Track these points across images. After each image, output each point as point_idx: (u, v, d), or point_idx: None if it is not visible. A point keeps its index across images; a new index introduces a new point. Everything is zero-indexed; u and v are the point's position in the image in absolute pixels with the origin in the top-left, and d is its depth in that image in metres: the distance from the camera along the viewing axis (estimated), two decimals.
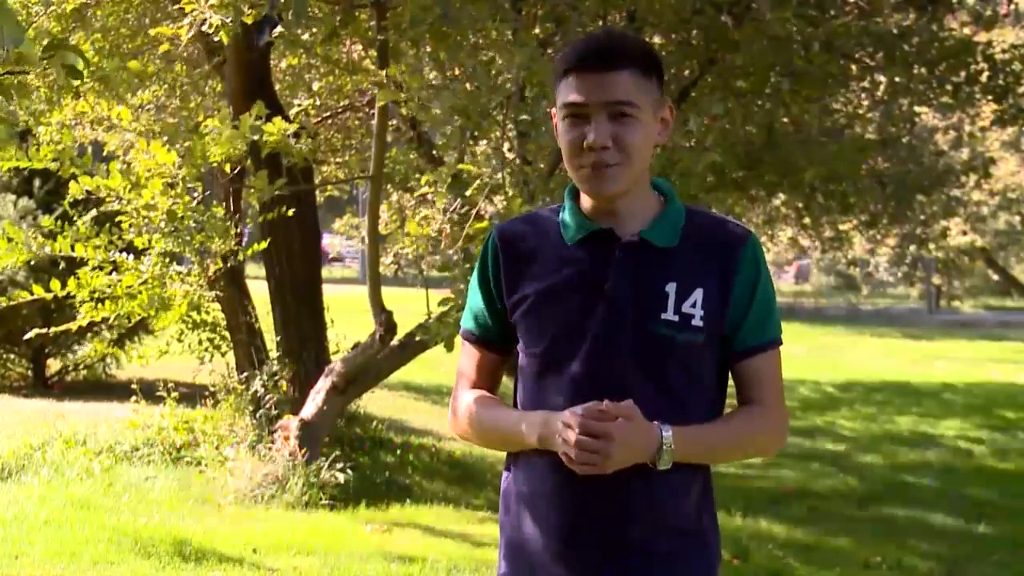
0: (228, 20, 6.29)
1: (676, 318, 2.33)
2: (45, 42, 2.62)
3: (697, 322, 2.34)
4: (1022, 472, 11.03)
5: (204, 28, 6.38)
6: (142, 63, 7.44)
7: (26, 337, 8.75)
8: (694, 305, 2.34)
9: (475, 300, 2.55)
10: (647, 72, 2.38)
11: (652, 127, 2.40)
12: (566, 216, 2.45)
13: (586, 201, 2.44)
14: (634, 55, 2.37)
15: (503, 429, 2.46)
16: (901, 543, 7.97)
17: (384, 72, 7.19)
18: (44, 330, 8.68)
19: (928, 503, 9.37)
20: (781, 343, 2.49)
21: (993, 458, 11.80)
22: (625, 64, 2.35)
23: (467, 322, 2.58)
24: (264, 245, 8.68)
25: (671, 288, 2.34)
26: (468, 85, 7.59)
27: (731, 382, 2.51)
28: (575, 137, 2.36)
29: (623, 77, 2.34)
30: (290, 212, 8.03)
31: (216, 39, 6.84)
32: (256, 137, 7.19)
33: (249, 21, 6.30)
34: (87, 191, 7.99)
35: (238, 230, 8.60)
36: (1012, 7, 12.52)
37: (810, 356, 21.04)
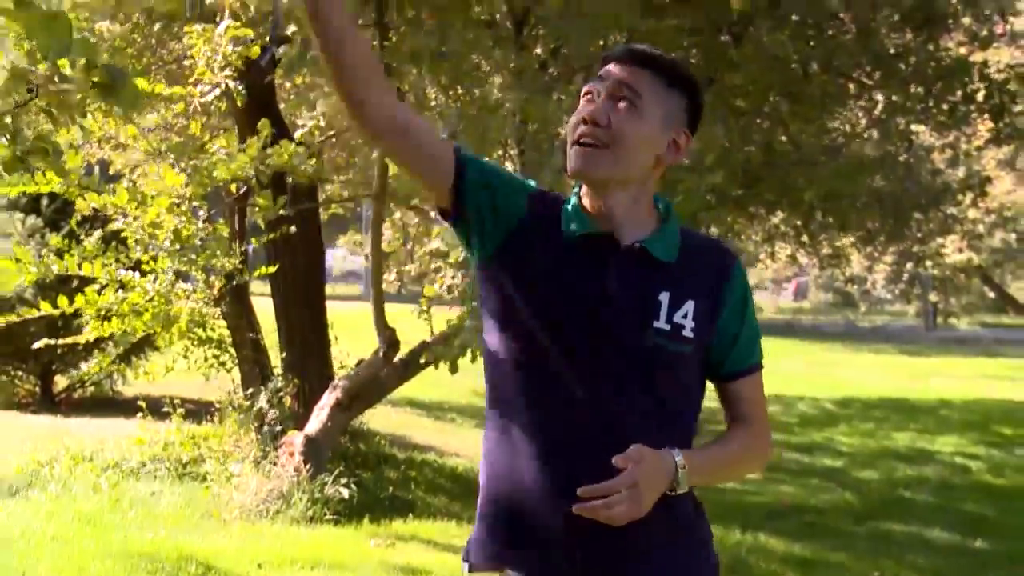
0: (241, 87, 6.33)
1: (668, 327, 2.33)
2: (82, 62, 2.63)
3: (687, 333, 2.34)
4: (1019, 488, 11.01)
5: (217, 94, 6.42)
6: (150, 83, 7.45)
7: (35, 347, 8.74)
8: (685, 316, 2.35)
9: (497, 171, 2.48)
10: (670, 83, 2.39)
11: (655, 131, 2.38)
12: (570, 210, 2.42)
13: (587, 201, 2.43)
14: (662, 63, 2.39)
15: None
16: (898, 558, 7.96)
17: None
18: (52, 341, 8.69)
19: (925, 519, 9.36)
20: (763, 365, 2.53)
21: (990, 474, 11.78)
22: (649, 65, 2.38)
23: (472, 157, 2.43)
24: (272, 269, 8.72)
25: (664, 297, 2.35)
26: (471, 109, 7.62)
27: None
28: (579, 111, 2.38)
29: (642, 72, 2.36)
30: (294, 230, 8.05)
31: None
32: (263, 160, 7.24)
33: (254, 54, 6.32)
34: (94, 209, 8.02)
35: (243, 248, 8.60)
36: (1008, 27, 12.54)
37: (808, 372, 21.04)
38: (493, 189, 2.39)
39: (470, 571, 2.43)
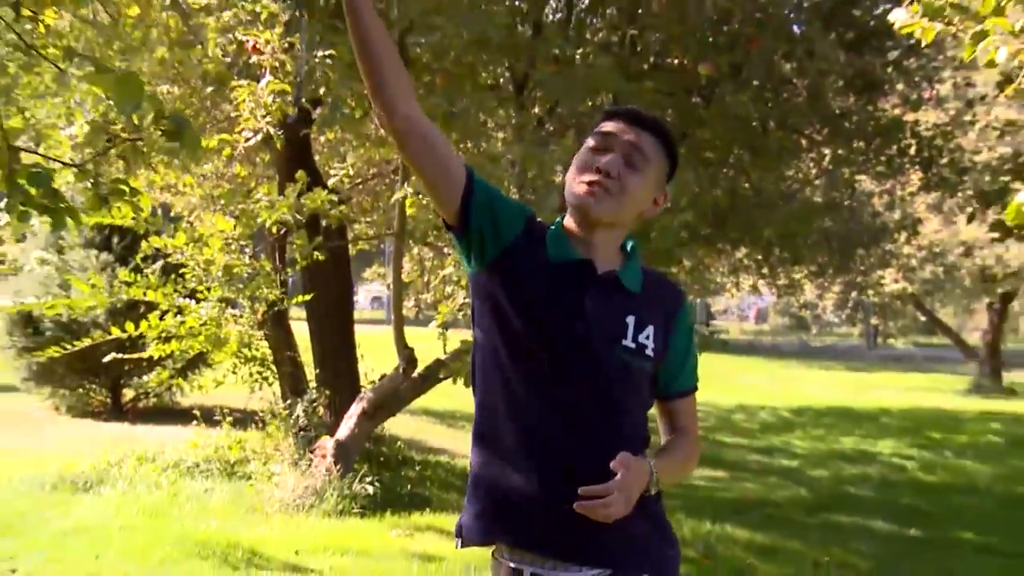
0: (279, 132, 6.36)
1: (633, 345, 2.35)
2: (151, 115, 2.66)
3: (648, 352, 2.37)
4: (947, 484, 11.00)
5: (260, 138, 6.45)
6: (206, 139, 7.49)
7: (105, 360, 8.75)
8: (647, 338, 2.37)
9: (500, 195, 2.44)
10: (667, 151, 2.43)
11: (648, 192, 2.42)
12: (553, 241, 2.41)
13: (570, 231, 2.43)
14: (664, 134, 2.43)
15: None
16: (845, 545, 7.94)
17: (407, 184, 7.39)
18: (120, 355, 8.72)
19: (868, 511, 9.34)
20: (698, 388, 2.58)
21: (922, 472, 11.77)
22: (655, 133, 2.41)
23: (481, 179, 2.40)
24: (308, 297, 8.74)
25: (631, 320, 2.36)
26: (478, 160, 7.65)
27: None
28: (590, 158, 2.38)
29: (650, 138, 2.39)
30: (326, 263, 8.06)
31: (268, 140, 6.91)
32: (299, 206, 7.28)
33: (291, 112, 6.36)
34: (155, 248, 8.06)
35: (283, 279, 8.62)
36: (935, 92, 12.61)
37: (768, 385, 21.03)
38: (496, 209, 2.38)
39: (463, 546, 2.42)
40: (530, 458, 2.31)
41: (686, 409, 2.54)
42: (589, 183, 2.36)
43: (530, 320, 2.35)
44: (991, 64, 3.53)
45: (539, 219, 2.51)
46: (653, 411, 2.53)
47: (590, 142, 2.42)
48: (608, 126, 2.41)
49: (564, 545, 2.31)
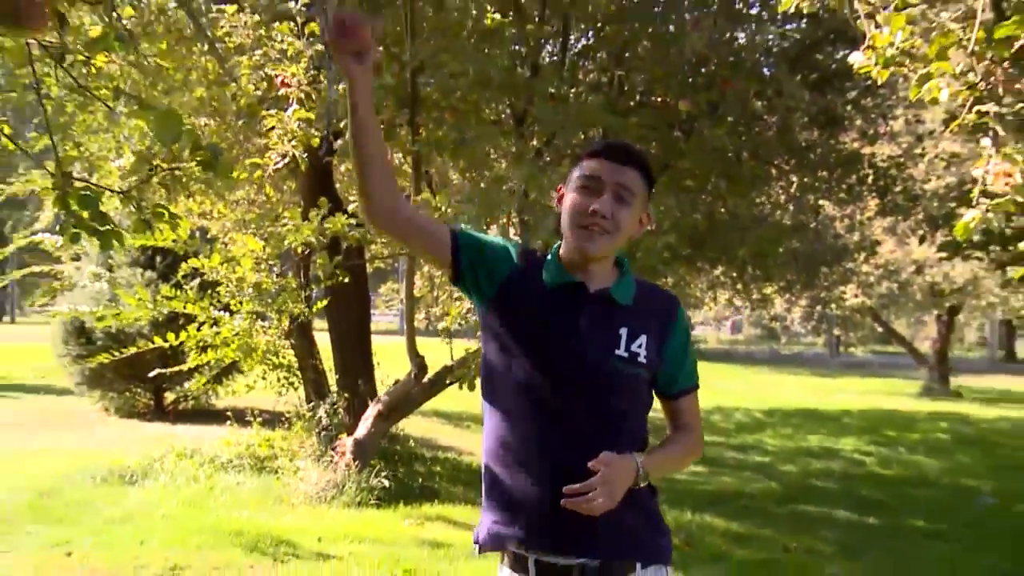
0: (305, 155, 6.37)
1: (626, 355, 2.33)
2: (189, 147, 2.66)
3: (641, 359, 2.34)
4: (902, 477, 10.97)
5: (286, 160, 6.45)
6: (237, 169, 7.50)
7: (150, 375, 8.81)
8: (640, 347, 2.35)
9: (482, 245, 2.43)
10: (646, 180, 2.41)
11: (636, 219, 2.41)
12: (549, 267, 2.42)
13: (565, 258, 2.43)
14: (643, 164, 2.40)
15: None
16: (811, 532, 7.92)
17: (419, 196, 7.41)
18: (163, 370, 8.76)
19: (832, 501, 9.32)
20: (699, 386, 2.54)
21: (880, 466, 11.74)
22: (636, 166, 2.38)
23: (461, 232, 2.43)
24: (325, 302, 8.74)
25: (623, 332, 2.35)
26: (482, 184, 7.65)
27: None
28: (584, 202, 2.36)
29: (633, 173, 2.37)
30: (346, 281, 8.04)
31: (294, 166, 6.91)
32: (322, 229, 7.27)
33: (315, 143, 6.36)
34: (194, 267, 8.08)
35: (307, 295, 8.61)
36: (889, 128, 12.64)
37: (743, 389, 21.00)
38: (485, 253, 2.41)
39: (480, 552, 2.42)
40: (533, 466, 2.31)
41: (687, 407, 2.50)
42: (586, 226, 2.36)
43: (530, 343, 2.35)
44: (934, 102, 3.53)
45: (534, 247, 2.53)
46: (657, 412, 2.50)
47: (579, 183, 2.40)
48: (593, 166, 2.39)
49: (561, 540, 2.30)
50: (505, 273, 2.41)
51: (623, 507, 2.24)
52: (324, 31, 5.95)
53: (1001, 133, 3.37)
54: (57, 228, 2.70)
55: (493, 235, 2.53)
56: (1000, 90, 3.38)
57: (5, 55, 2.69)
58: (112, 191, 2.79)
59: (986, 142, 3.47)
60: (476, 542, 2.43)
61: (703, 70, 8.56)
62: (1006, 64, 3.41)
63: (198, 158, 2.61)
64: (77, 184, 2.61)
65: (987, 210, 3.43)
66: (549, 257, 2.45)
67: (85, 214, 2.56)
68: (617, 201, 2.36)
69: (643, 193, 2.41)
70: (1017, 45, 3.34)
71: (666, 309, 2.45)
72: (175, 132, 2.49)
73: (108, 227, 2.61)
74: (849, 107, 10.36)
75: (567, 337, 2.33)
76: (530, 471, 2.31)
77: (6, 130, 2.80)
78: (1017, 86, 3.35)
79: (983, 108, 3.44)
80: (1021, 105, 3.33)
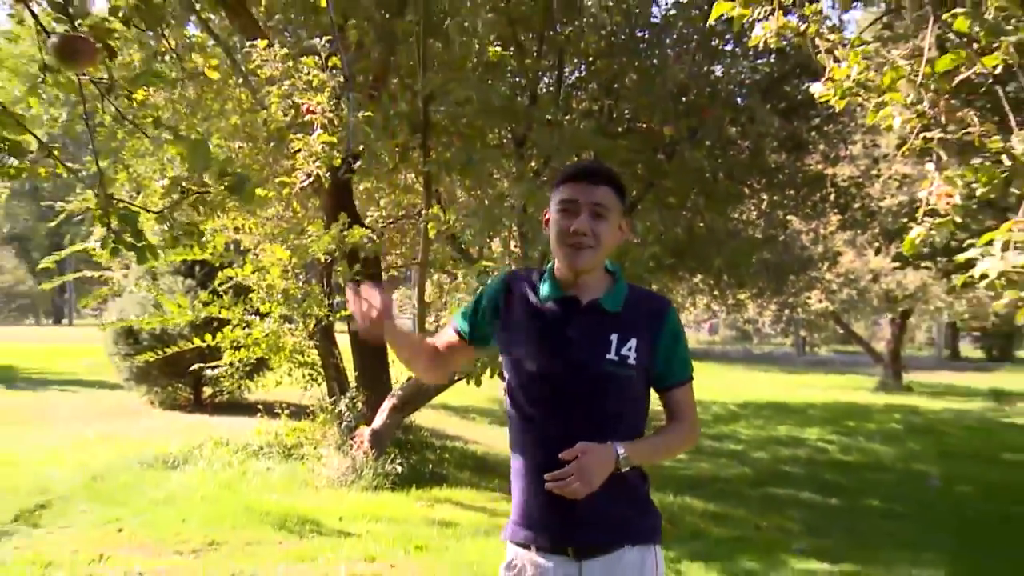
0: (327, 174, 6.38)
1: (616, 358, 2.31)
2: (217, 174, 2.68)
3: (631, 362, 2.32)
4: (861, 463, 10.95)
5: (311, 179, 6.45)
6: (265, 190, 7.52)
7: (190, 369, 8.86)
8: (630, 349, 2.32)
9: (475, 310, 2.54)
10: (618, 192, 2.38)
11: (616, 230, 2.39)
12: (545, 284, 2.43)
13: (559, 274, 2.43)
14: (611, 179, 2.38)
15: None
16: (780, 512, 7.90)
17: (429, 210, 7.39)
18: (203, 365, 8.80)
19: (798, 484, 9.31)
20: (693, 378, 2.49)
21: (841, 453, 11.73)
22: (605, 183, 2.36)
23: (460, 322, 2.57)
24: (348, 312, 8.72)
25: (614, 337, 2.33)
26: (486, 200, 7.65)
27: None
28: (565, 225, 2.35)
29: (603, 190, 2.35)
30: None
31: (317, 184, 6.92)
32: (342, 240, 7.28)
33: (337, 164, 6.36)
34: (228, 276, 8.09)
35: (330, 300, 8.61)
36: (848, 151, 12.66)
37: (719, 385, 20.96)
38: (483, 313, 2.52)
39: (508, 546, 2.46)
40: (538, 463, 2.31)
41: (681, 399, 2.45)
42: (572, 246, 2.35)
43: (528, 357, 2.37)
44: (888, 128, 3.53)
45: (525, 270, 2.58)
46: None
47: (559, 207, 2.39)
48: (568, 190, 2.38)
49: (556, 530, 2.33)
50: (500, 308, 2.47)
51: (610, 495, 2.24)
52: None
53: (944, 157, 3.36)
54: (100, 243, 2.69)
55: (480, 297, 2.59)
56: (943, 119, 3.38)
57: (61, 88, 2.69)
58: (147, 211, 2.80)
59: (930, 166, 3.46)
60: (504, 537, 2.45)
61: (684, 99, 8.56)
62: (947, 96, 3.40)
63: (225, 183, 2.61)
64: (117, 204, 2.61)
65: (930, 228, 3.42)
66: (544, 275, 2.46)
67: (126, 232, 2.56)
68: (595, 218, 2.34)
69: (617, 206, 2.39)
70: (957, 79, 3.34)
71: (656, 311, 2.41)
72: (205, 160, 2.50)
73: (143, 243, 2.62)
74: (813, 133, 10.36)
75: (562, 348, 2.33)
76: (533, 475, 2.33)
77: (58, 155, 2.79)
78: (959, 115, 3.35)
79: (928, 135, 3.44)
80: (962, 132, 3.33)
